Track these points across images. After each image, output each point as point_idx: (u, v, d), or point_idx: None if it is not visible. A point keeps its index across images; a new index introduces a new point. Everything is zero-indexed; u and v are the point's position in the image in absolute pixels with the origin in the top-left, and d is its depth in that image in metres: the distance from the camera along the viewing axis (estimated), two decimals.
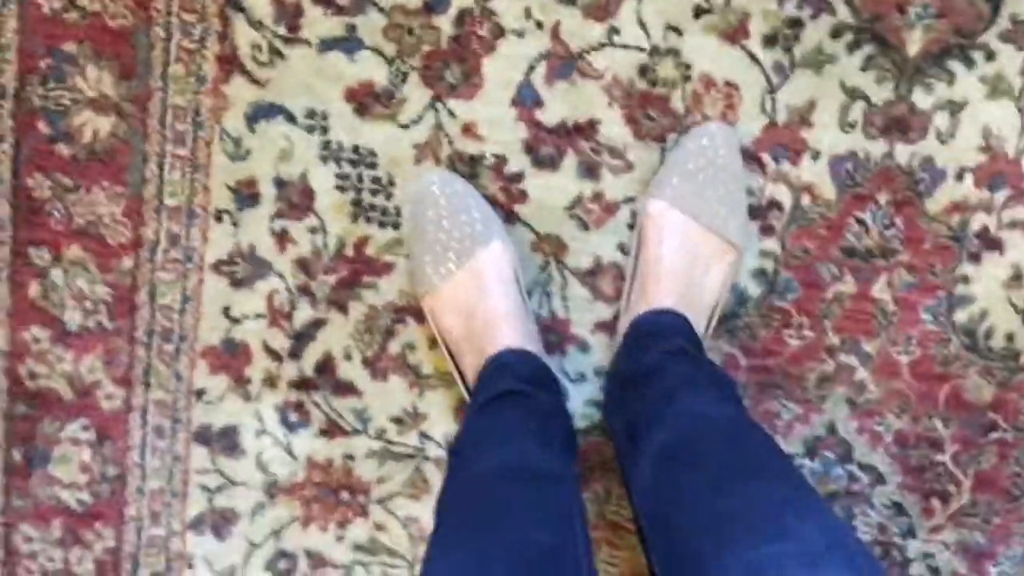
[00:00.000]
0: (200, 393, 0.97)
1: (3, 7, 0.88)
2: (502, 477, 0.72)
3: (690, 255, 0.86)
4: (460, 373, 0.90)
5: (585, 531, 0.71)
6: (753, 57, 0.88)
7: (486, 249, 0.87)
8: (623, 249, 0.92)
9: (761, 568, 0.55)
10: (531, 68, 0.89)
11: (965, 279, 0.91)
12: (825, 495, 0.96)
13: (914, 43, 0.87)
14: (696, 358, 0.81)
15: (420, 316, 0.94)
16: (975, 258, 0.90)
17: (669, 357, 0.80)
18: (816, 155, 0.90)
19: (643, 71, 0.89)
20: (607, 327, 0.94)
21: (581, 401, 0.96)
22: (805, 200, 0.91)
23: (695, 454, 0.69)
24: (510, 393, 0.81)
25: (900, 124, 0.89)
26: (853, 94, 0.88)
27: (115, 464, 0.99)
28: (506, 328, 0.86)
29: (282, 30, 0.89)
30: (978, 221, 0.90)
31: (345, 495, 0.99)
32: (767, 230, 0.91)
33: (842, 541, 0.57)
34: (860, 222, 0.91)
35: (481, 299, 0.86)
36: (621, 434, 0.81)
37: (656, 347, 0.82)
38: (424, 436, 0.97)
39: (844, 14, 0.87)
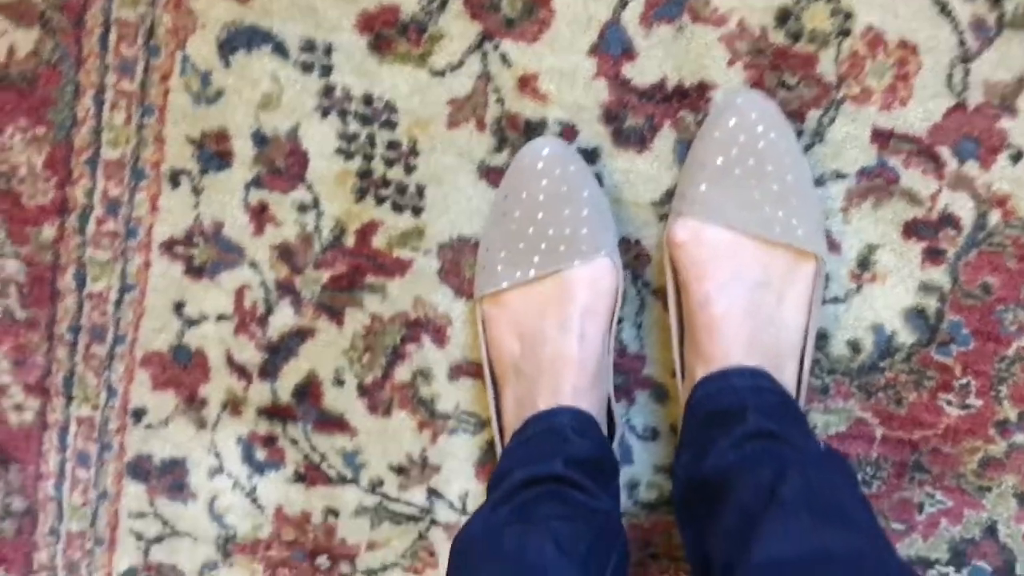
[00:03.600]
0: (138, 414, 0.75)
1: None
2: None
3: (751, 284, 0.64)
4: (497, 403, 0.68)
5: None
6: (944, 8, 0.64)
7: (586, 264, 0.65)
8: None
9: None
10: (623, 2, 0.65)
11: None
12: None
13: None
14: (781, 446, 0.59)
15: (440, 334, 0.71)
16: None
17: (743, 451, 0.59)
18: (1017, 156, 0.66)
19: (783, 17, 0.65)
20: None
21: (650, 465, 0.73)
22: (994, 217, 0.67)
23: None
24: (554, 479, 0.59)
25: None
26: None
27: (23, 495, 0.77)
28: (573, 380, 0.65)
29: None
30: None
31: (323, 561, 0.76)
32: (934, 254, 0.68)
33: None
34: None
35: (555, 330, 0.65)
36: (694, 558, 0.61)
37: (725, 437, 0.60)
38: (434, 493, 0.75)
39: None
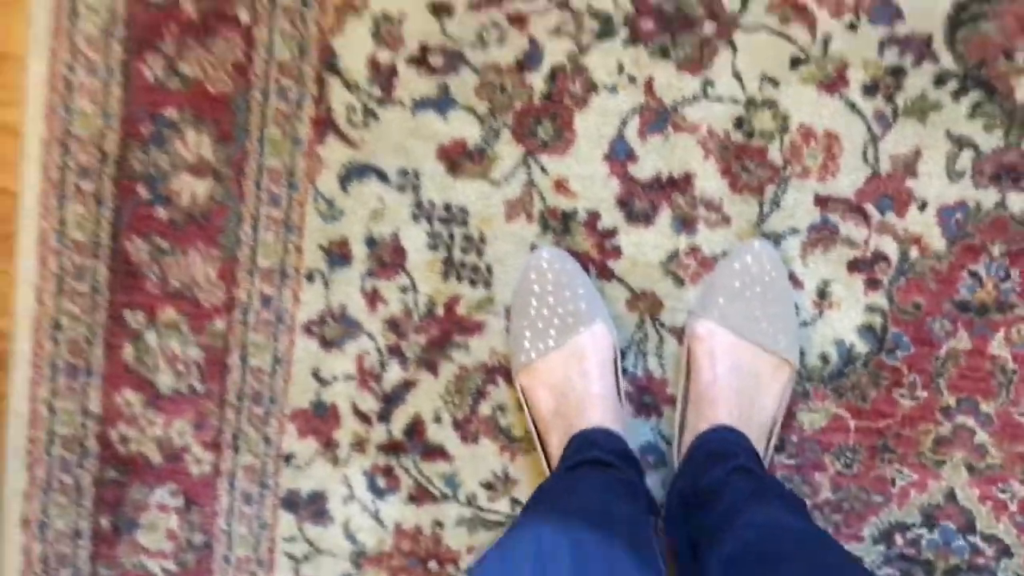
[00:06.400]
0: (288, 458, 1.00)
1: (109, 78, 0.95)
2: (585, 517, 0.72)
3: (744, 374, 0.89)
4: (544, 451, 0.92)
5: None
6: (853, 107, 0.90)
7: (588, 329, 0.90)
8: None
9: None
10: (624, 123, 0.92)
11: None
12: (947, 570, 0.93)
13: (1023, 89, 0.87)
14: (760, 475, 0.84)
15: (511, 377, 0.96)
16: None
17: (733, 474, 0.82)
18: (923, 205, 0.90)
19: (739, 123, 0.91)
20: None
21: (677, 466, 0.95)
22: (913, 252, 0.91)
23: (765, 564, 0.69)
24: (597, 462, 0.83)
25: (1012, 172, 0.89)
26: (960, 143, 0.89)
27: (202, 531, 1.01)
28: (599, 410, 0.89)
29: (376, 91, 0.94)
30: None
31: (433, 565, 0.99)
32: (873, 284, 0.91)
33: None
34: (973, 275, 0.90)
35: (578, 378, 0.89)
36: (684, 551, 0.83)
37: (719, 466, 0.84)
38: (515, 502, 0.98)
39: (947, 61, 0.88)
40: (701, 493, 0.83)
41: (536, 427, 0.93)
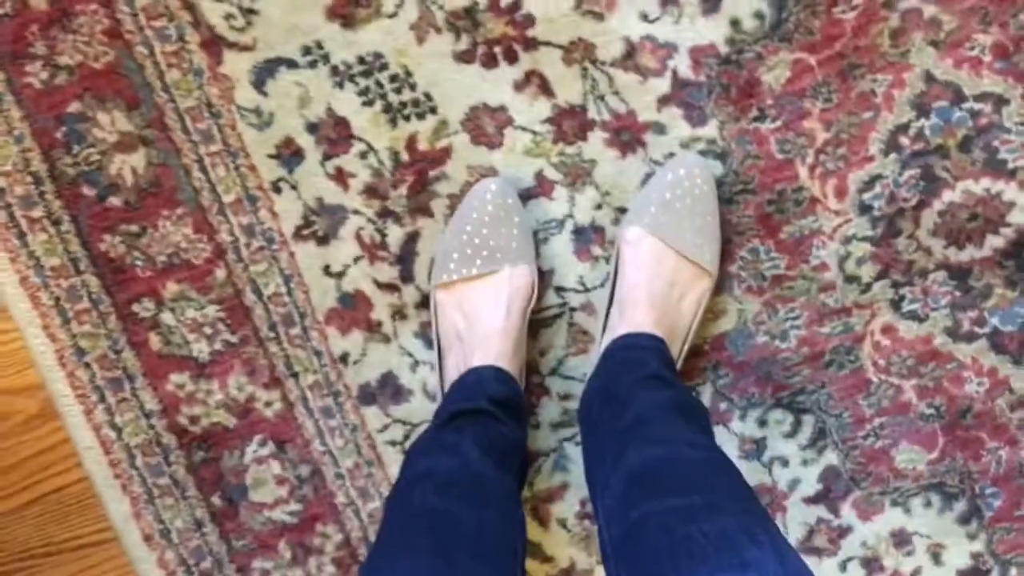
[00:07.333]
0: (344, 358, 1.02)
1: (1, 104, 0.95)
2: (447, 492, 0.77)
3: (667, 281, 0.94)
4: (441, 365, 0.97)
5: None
6: None
7: (513, 267, 0.95)
8: (646, 17, 0.94)
9: None
10: None
11: None
12: (959, 144, 0.97)
13: None
14: (670, 384, 0.88)
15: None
16: None
17: (644, 384, 0.87)
18: None
19: None
20: (668, 98, 0.96)
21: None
22: None
23: (663, 483, 0.74)
24: (478, 411, 0.87)
25: None
26: None
27: (305, 463, 1.04)
28: (498, 344, 0.93)
29: None
30: None
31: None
32: None
33: (798, 570, 0.62)
34: None
35: (489, 310, 0.94)
36: (591, 447, 0.89)
37: (634, 371, 0.89)
38: (559, 291, 1.00)
39: None
40: (612, 398, 0.87)
41: (439, 345, 0.97)
